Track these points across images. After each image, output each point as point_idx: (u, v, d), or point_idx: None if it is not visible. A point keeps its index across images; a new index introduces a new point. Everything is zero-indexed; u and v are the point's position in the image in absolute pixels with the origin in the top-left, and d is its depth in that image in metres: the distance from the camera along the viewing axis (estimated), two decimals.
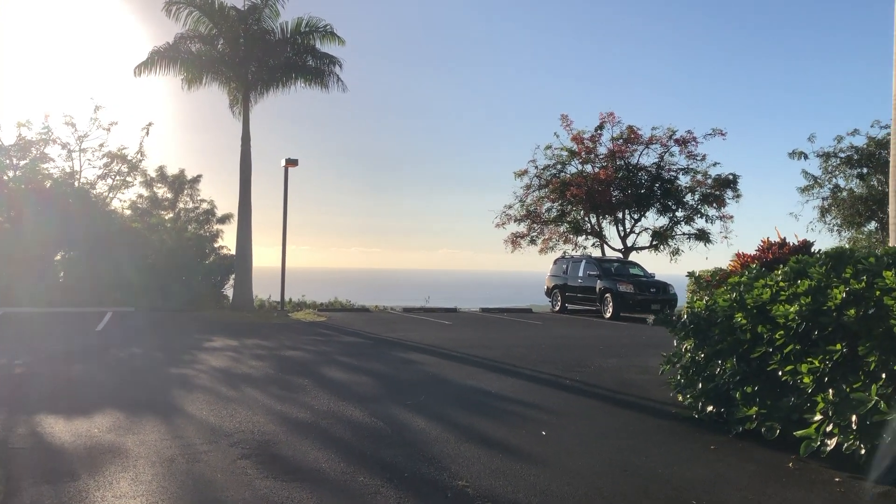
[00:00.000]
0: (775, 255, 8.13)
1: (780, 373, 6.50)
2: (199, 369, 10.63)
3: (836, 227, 32.71)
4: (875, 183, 31.99)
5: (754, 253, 8.54)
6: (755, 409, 6.63)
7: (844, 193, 32.55)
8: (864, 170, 31.97)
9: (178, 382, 9.50)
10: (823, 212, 33.26)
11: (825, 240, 44.63)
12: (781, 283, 6.58)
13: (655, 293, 22.08)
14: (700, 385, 7.65)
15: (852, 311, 5.70)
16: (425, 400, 8.59)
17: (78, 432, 6.70)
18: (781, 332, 6.39)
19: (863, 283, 5.82)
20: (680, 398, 8.43)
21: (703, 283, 8.69)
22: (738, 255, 9.04)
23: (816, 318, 6.04)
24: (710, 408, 7.51)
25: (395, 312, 23.93)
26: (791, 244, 8.41)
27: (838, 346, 5.82)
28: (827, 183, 33.18)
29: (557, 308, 24.96)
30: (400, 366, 11.31)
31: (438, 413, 7.88)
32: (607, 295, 22.15)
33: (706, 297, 8.13)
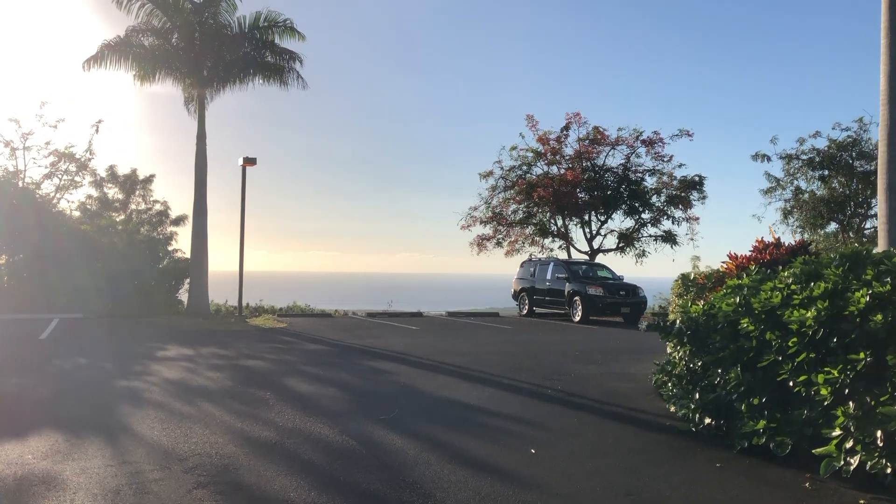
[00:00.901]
0: (773, 256, 7.62)
1: (791, 383, 5.97)
2: (151, 382, 9.78)
3: (798, 229, 32.81)
4: (836, 185, 32.19)
5: (749, 254, 8.04)
6: (763, 422, 6.09)
7: (806, 195, 32.68)
8: (826, 172, 32.15)
9: (128, 397, 8.67)
10: (786, 214, 33.36)
11: (787, 241, 45.00)
12: (793, 286, 6.06)
13: (625, 296, 21.68)
14: (697, 396, 7.11)
15: (879, 317, 5.18)
16: (400, 414, 7.90)
17: (8, 459, 5.87)
18: (794, 339, 5.86)
19: (888, 286, 5.31)
20: (672, 409, 7.89)
21: (694, 285, 8.15)
22: (730, 255, 8.54)
23: (836, 325, 5.51)
24: (708, 420, 6.97)
25: (358, 317, 23.16)
26: (787, 245, 7.94)
27: (861, 355, 5.30)
28: (789, 185, 33.31)
29: (525, 312, 24.43)
30: (369, 376, 10.59)
31: (415, 429, 7.21)
32: (576, 298, 21.68)
33: (701, 301, 7.60)
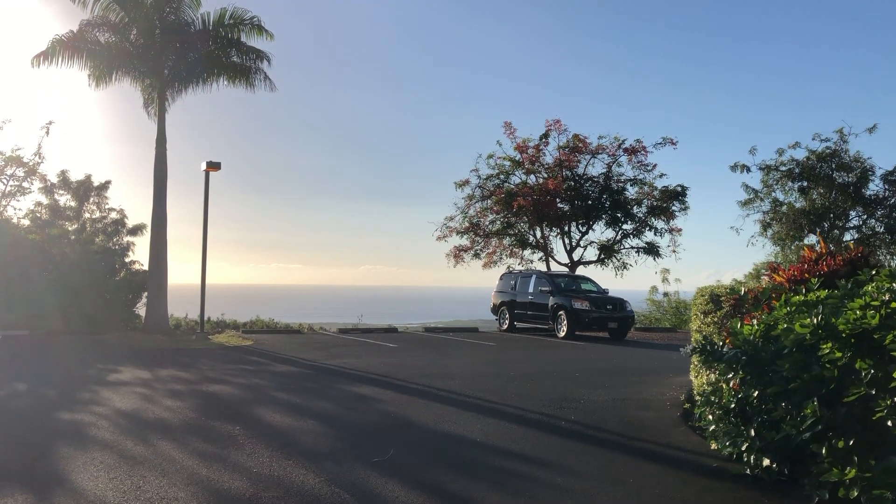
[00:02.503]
0: (830, 268, 6.54)
1: (891, 423, 4.86)
2: (100, 413, 8.38)
3: (780, 241, 32.20)
4: (816, 197, 31.67)
5: (799, 265, 6.97)
6: (853, 470, 4.96)
7: (784, 207, 32.11)
8: (805, 183, 31.63)
9: (69, 435, 7.27)
10: (765, 226, 32.74)
11: (761, 254, 44.35)
12: (894, 304, 4.95)
13: (612, 310, 20.66)
14: (754, 433, 5.98)
15: None
16: (396, 455, 6.65)
17: None
18: None
19: None
20: (714, 446, 6.76)
21: (744, 301, 7.04)
22: (773, 266, 7.46)
23: None
24: (767, 462, 5.85)
25: (329, 334, 21.78)
26: (843, 255, 6.89)
27: None
28: (767, 197, 32.72)
29: (505, 326, 23.26)
30: (352, 404, 9.30)
31: (418, 477, 5.96)
32: (561, 312, 20.58)
33: (753, 320, 6.48)
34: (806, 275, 6.72)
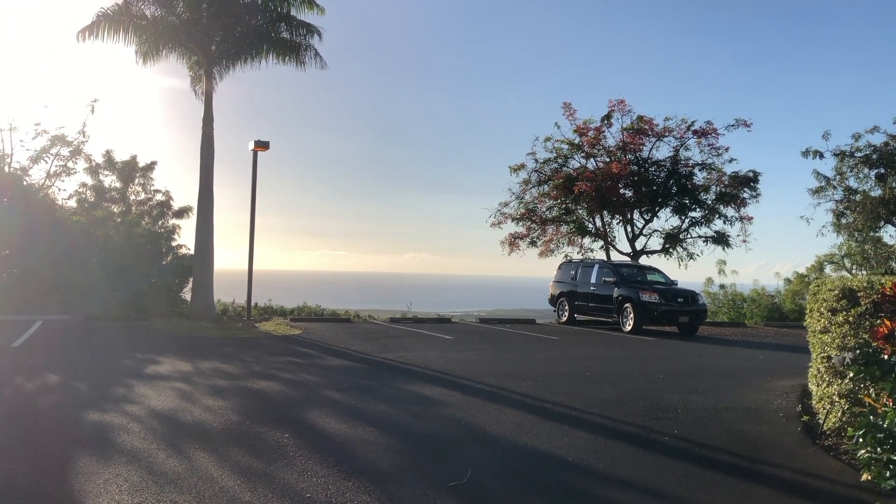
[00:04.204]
0: None
1: None
2: (132, 414, 7.38)
3: (854, 232, 30.22)
4: (895, 185, 29.59)
5: None
6: None
7: (859, 196, 30.10)
8: (882, 170, 29.57)
9: (94, 441, 6.27)
10: (838, 215, 30.76)
11: (823, 245, 42.11)
12: None
13: (683, 303, 19.20)
14: None
15: None
16: (475, 477, 5.49)
17: None
18: None
19: None
20: (867, 476, 5.44)
21: (865, 298, 5.71)
22: None
23: None
24: None
25: (379, 323, 20.74)
26: None
27: None
28: (840, 185, 30.72)
29: (564, 319, 21.94)
30: (415, 409, 8.17)
31: None
32: (627, 305, 19.19)
33: None
34: None
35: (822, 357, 7.33)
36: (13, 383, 9.05)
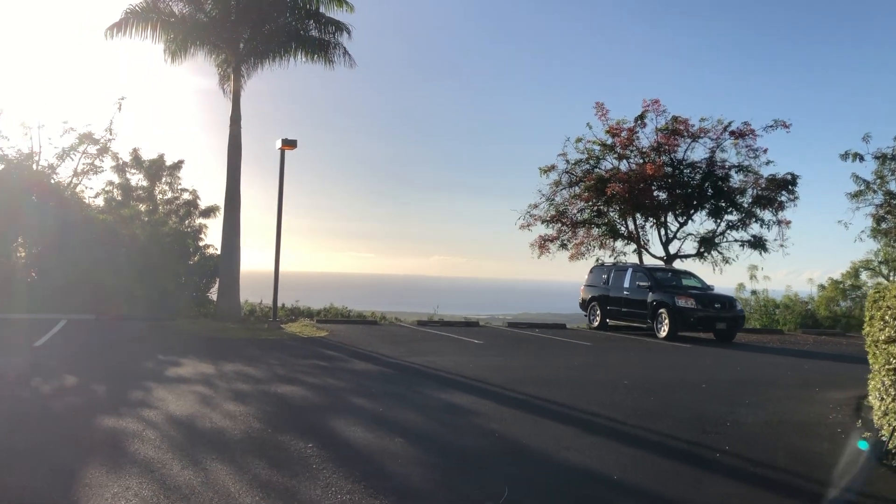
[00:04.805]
0: None
1: None
2: (148, 420, 7.02)
3: (894, 239, 29.22)
4: None
5: None
6: None
7: None
8: None
9: (107, 449, 5.91)
10: (879, 220, 29.79)
11: (859, 251, 40.91)
12: None
13: (720, 309, 18.54)
14: None
15: None
16: (513, 498, 5.03)
17: None
18: None
19: None
20: None
21: None
22: None
23: None
24: None
25: (406, 326, 20.34)
26: None
27: None
28: (880, 189, 29.75)
29: (596, 324, 21.36)
30: (446, 418, 7.72)
31: None
32: (662, 310, 18.58)
33: None
34: None
35: (889, 369, 6.77)
36: (30, 385, 8.76)
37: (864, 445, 6.42)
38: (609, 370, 12.09)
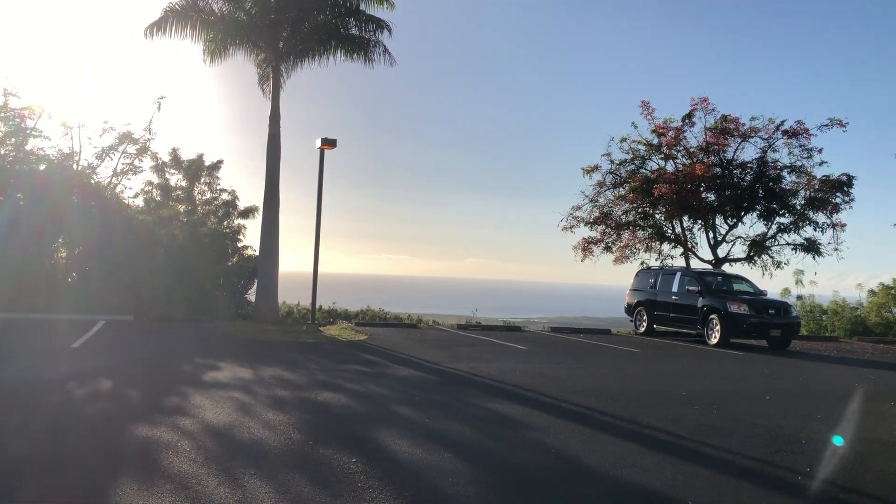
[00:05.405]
0: None
1: None
2: (184, 429, 6.65)
3: None
4: None
5: None
6: None
7: None
8: None
9: (138, 461, 5.55)
10: None
11: None
12: None
13: (774, 315, 17.77)
14: None
15: None
16: None
17: None
18: None
19: None
20: None
21: None
22: None
23: None
24: None
25: (447, 330, 19.87)
26: None
27: None
28: None
29: (643, 329, 20.68)
30: (497, 431, 7.22)
31: None
32: (713, 316, 17.87)
33: None
34: None
35: None
36: (64, 389, 8.47)
37: None
38: (663, 380, 11.50)
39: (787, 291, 29.84)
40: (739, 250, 24.34)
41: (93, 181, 20.22)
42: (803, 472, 6.01)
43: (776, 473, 5.98)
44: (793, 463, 6.29)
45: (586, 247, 24.66)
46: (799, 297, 27.75)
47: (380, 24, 19.88)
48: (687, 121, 23.56)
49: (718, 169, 23.49)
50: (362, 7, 19.90)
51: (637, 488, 5.44)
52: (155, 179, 22.14)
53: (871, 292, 30.46)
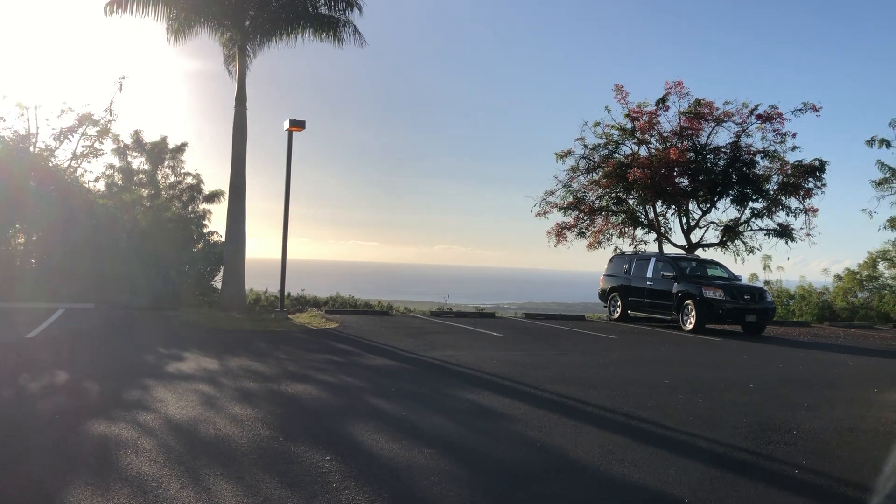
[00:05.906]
0: None
1: None
2: (145, 426, 6.20)
3: None
4: None
5: None
6: None
7: None
8: None
9: (94, 461, 5.11)
10: None
11: (874, 241, 39.92)
12: None
13: (750, 300, 17.68)
14: None
15: None
16: None
17: None
18: None
19: None
20: None
21: None
22: None
23: None
24: None
25: (420, 317, 19.50)
26: None
27: None
28: None
29: (617, 315, 20.50)
30: (479, 423, 6.87)
31: None
32: (688, 302, 17.73)
33: None
34: None
35: None
36: (15, 383, 7.94)
37: None
38: (644, 367, 11.26)
39: (754, 276, 29.97)
40: (713, 235, 24.35)
41: (51, 164, 19.46)
42: (798, 465, 5.75)
43: (772, 467, 5.71)
44: (787, 455, 6.04)
45: (560, 232, 24.42)
46: (766, 283, 27.85)
47: (350, 3, 19.29)
48: (661, 105, 23.36)
49: (692, 154, 23.37)
50: None
51: (628, 484, 5.13)
52: (117, 163, 21.38)
53: (838, 277, 30.69)
